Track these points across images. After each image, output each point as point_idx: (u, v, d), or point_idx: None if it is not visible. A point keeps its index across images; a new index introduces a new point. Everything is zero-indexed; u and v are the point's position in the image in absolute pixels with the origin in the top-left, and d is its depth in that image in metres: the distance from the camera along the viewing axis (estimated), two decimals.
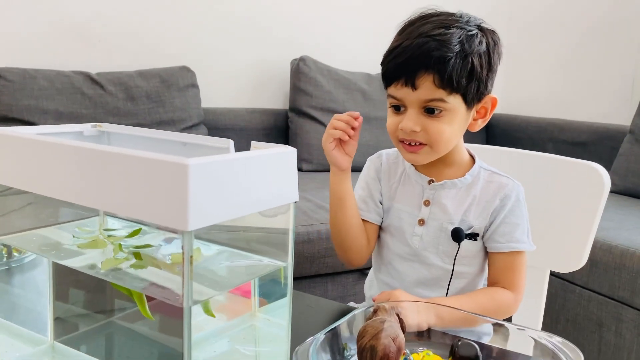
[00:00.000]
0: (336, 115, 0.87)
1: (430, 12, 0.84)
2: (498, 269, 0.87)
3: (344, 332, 0.65)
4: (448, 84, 0.79)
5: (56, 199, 0.50)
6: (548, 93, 2.78)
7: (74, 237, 0.63)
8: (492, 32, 0.85)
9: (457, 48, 0.79)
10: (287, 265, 0.56)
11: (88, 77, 1.94)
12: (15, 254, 0.67)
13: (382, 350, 0.58)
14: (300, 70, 2.28)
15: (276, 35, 2.42)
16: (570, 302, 1.62)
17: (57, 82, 1.87)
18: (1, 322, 0.64)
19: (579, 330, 1.59)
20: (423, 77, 0.79)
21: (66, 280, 0.62)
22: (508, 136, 2.60)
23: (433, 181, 0.89)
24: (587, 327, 1.57)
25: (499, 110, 0.87)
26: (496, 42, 0.84)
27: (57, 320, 0.62)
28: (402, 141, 0.85)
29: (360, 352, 0.59)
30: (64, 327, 0.63)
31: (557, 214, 1.01)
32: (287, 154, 0.53)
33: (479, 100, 0.84)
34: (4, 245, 0.64)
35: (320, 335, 0.61)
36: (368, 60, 2.53)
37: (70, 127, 0.69)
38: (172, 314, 0.53)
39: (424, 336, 0.69)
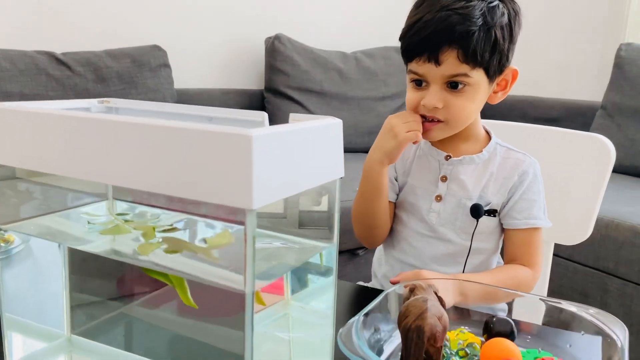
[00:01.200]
0: (417, 117, 0.83)
1: None
2: (515, 245, 0.87)
3: (376, 313, 0.63)
4: (472, 59, 0.77)
5: (90, 181, 0.45)
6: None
7: (89, 223, 0.58)
8: (512, 1, 0.83)
9: (480, 21, 0.77)
10: (333, 246, 0.52)
11: (53, 57, 1.83)
12: (1, 244, 0.61)
13: (429, 330, 0.55)
14: (275, 49, 2.21)
15: (249, 11, 2.34)
16: (555, 274, 1.65)
17: (20, 63, 1.75)
18: (9, 318, 0.58)
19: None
20: (447, 52, 0.77)
21: (83, 268, 0.57)
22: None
23: (450, 157, 0.87)
24: (572, 297, 1.61)
25: None
26: (517, 11, 0.83)
27: (73, 312, 0.57)
28: (422, 116, 0.82)
29: (406, 333, 0.56)
30: (81, 319, 0.58)
31: (562, 187, 1.01)
32: (335, 125, 0.49)
33: (500, 72, 0.83)
34: None
35: (360, 317, 0.59)
36: (342, 38, 2.50)
37: (74, 102, 0.62)
38: (210, 302, 0.49)
39: (464, 313, 0.67)
